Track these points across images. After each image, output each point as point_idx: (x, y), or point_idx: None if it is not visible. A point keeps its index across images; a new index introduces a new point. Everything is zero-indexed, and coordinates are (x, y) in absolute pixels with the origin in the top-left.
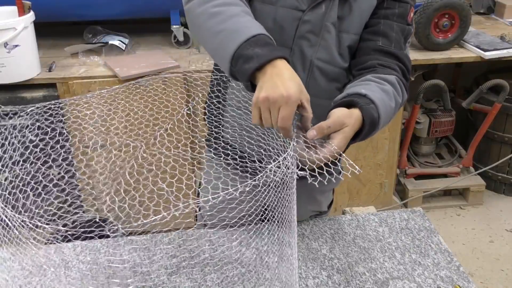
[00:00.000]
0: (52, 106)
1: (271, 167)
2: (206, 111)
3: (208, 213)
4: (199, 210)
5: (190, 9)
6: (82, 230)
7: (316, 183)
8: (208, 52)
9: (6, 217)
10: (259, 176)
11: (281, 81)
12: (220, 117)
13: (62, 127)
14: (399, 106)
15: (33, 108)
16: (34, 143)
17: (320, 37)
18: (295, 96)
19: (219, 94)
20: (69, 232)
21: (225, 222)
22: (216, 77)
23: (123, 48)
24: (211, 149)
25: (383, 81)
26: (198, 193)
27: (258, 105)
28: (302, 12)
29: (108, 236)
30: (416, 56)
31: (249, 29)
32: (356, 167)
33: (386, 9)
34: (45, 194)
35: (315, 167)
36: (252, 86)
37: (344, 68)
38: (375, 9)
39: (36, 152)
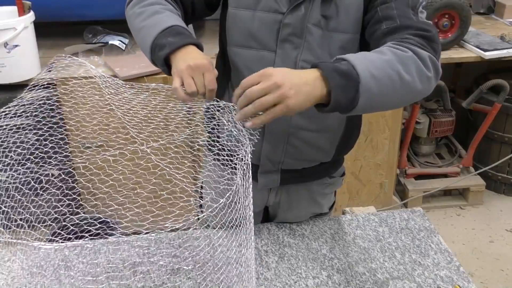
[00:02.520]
0: (49, 102)
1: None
2: (204, 113)
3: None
4: (201, 208)
5: (126, 13)
6: (82, 230)
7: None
8: (139, 47)
9: (6, 217)
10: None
11: (196, 55)
12: (217, 119)
13: (61, 125)
14: (428, 67)
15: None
16: (33, 142)
17: (303, 39)
18: (212, 65)
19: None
20: (69, 232)
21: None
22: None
23: (123, 48)
24: (210, 151)
25: (382, 50)
26: (201, 194)
27: (180, 74)
28: (282, 15)
29: (108, 236)
30: None
31: (165, 22)
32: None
33: None
34: (45, 194)
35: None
36: (169, 70)
37: None
38: (370, 4)
39: (35, 151)
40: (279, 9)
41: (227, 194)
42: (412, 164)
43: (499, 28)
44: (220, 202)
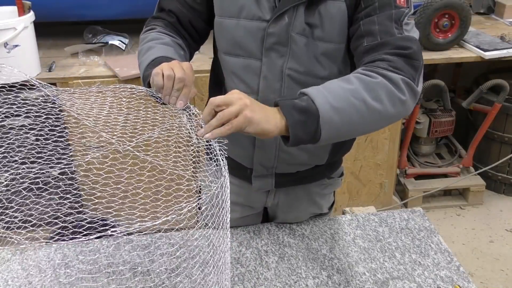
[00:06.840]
0: (50, 101)
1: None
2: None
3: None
4: (200, 209)
5: None
6: (82, 230)
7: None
8: None
9: (6, 217)
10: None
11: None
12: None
13: (61, 126)
14: (401, 90)
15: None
16: (34, 142)
17: (288, 47)
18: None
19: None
20: (69, 232)
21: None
22: (214, 78)
23: (123, 48)
24: (209, 155)
25: (349, 78)
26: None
27: (161, 67)
28: (266, 23)
29: (108, 236)
30: None
31: (151, 56)
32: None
33: (365, 9)
34: (45, 194)
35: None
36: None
37: (323, 77)
38: (354, 15)
39: (35, 151)
40: (263, 17)
41: (219, 182)
42: (412, 164)
43: (499, 28)
44: (212, 188)
